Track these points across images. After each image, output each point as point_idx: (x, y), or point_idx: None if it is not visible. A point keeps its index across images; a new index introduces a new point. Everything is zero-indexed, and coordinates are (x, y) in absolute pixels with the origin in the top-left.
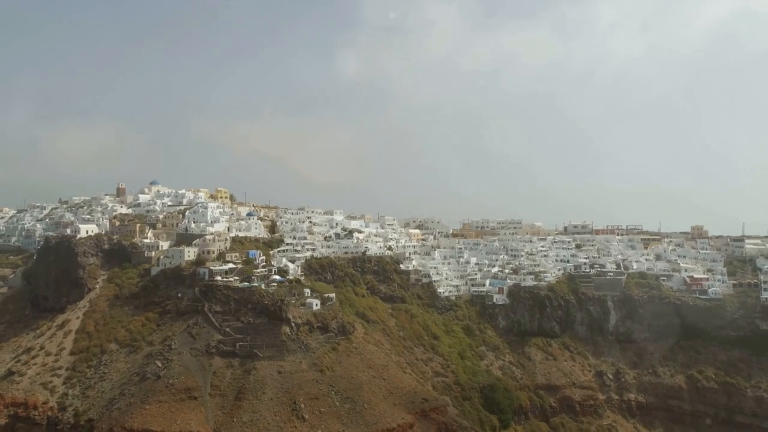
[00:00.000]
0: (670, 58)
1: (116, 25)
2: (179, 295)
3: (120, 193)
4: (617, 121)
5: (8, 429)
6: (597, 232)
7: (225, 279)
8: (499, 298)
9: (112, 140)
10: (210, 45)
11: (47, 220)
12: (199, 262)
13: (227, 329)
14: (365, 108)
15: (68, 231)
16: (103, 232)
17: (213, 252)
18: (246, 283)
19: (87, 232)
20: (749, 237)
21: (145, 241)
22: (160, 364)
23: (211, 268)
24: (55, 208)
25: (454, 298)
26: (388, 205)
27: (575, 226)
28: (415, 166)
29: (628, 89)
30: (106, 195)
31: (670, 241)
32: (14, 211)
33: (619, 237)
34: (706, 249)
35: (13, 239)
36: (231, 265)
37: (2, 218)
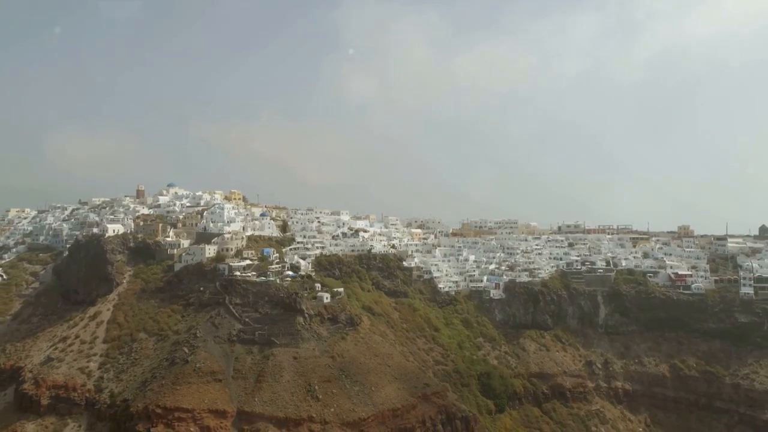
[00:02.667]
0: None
1: (114, 30)
2: (201, 288)
3: (139, 194)
4: (615, 121)
5: (50, 409)
6: (589, 231)
7: (243, 274)
8: (495, 293)
9: (113, 144)
10: (206, 48)
11: (72, 220)
12: (219, 258)
13: (247, 319)
14: (359, 112)
15: (95, 230)
16: (128, 231)
17: (231, 249)
18: (262, 278)
19: (114, 231)
20: (732, 236)
21: (168, 239)
22: (187, 351)
23: (230, 264)
24: (77, 209)
25: (453, 293)
26: (388, 205)
27: (568, 226)
28: (414, 168)
29: (621, 89)
30: (126, 197)
31: (657, 240)
32: (35, 212)
33: (610, 236)
34: (691, 247)
35: (41, 238)
36: (248, 262)
37: (26, 218)
